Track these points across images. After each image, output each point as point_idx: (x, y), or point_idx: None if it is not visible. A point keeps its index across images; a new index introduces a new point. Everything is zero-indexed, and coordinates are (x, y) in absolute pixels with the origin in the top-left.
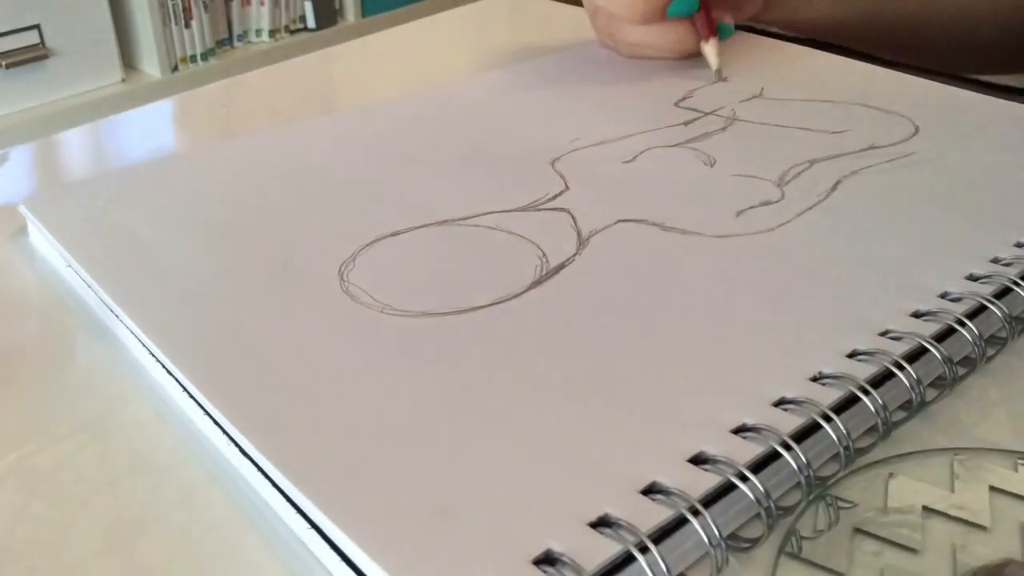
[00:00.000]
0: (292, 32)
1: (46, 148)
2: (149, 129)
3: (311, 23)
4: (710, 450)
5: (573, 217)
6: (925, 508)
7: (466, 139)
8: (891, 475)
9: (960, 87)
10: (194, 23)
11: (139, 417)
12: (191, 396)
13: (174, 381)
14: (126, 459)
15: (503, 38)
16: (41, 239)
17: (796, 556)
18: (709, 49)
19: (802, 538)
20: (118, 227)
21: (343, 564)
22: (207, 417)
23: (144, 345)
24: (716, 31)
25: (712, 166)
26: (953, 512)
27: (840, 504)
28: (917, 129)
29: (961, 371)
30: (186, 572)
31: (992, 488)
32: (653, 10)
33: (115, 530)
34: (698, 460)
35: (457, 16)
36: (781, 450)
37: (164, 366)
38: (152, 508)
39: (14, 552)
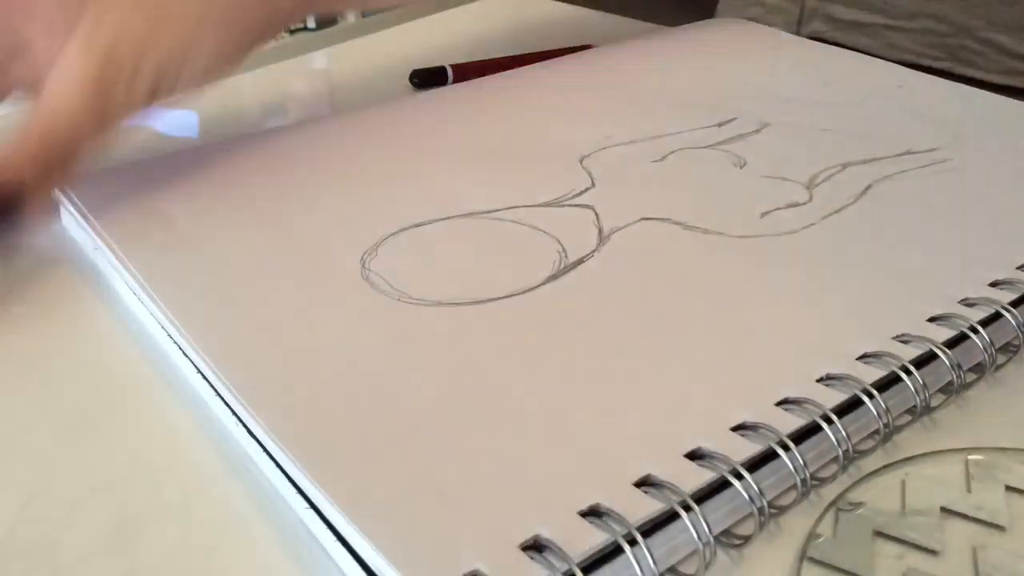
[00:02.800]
0: (292, 32)
1: None
2: (177, 120)
3: (311, 23)
4: (708, 446)
5: (596, 214)
6: (943, 509)
7: (498, 134)
8: (907, 476)
9: (1004, 94)
10: None
11: (140, 416)
12: (204, 377)
13: (188, 362)
14: (126, 459)
15: (503, 38)
16: (72, 222)
17: (819, 561)
18: None
19: (821, 539)
20: (146, 209)
21: (339, 544)
22: (218, 398)
23: (163, 327)
24: None
25: (742, 167)
26: (972, 513)
27: (845, 507)
28: (957, 135)
29: (971, 377)
30: (186, 572)
31: (1008, 488)
32: None
33: (115, 530)
34: (695, 456)
35: (457, 16)
36: (778, 450)
37: (179, 346)
38: (152, 508)
39: (14, 552)
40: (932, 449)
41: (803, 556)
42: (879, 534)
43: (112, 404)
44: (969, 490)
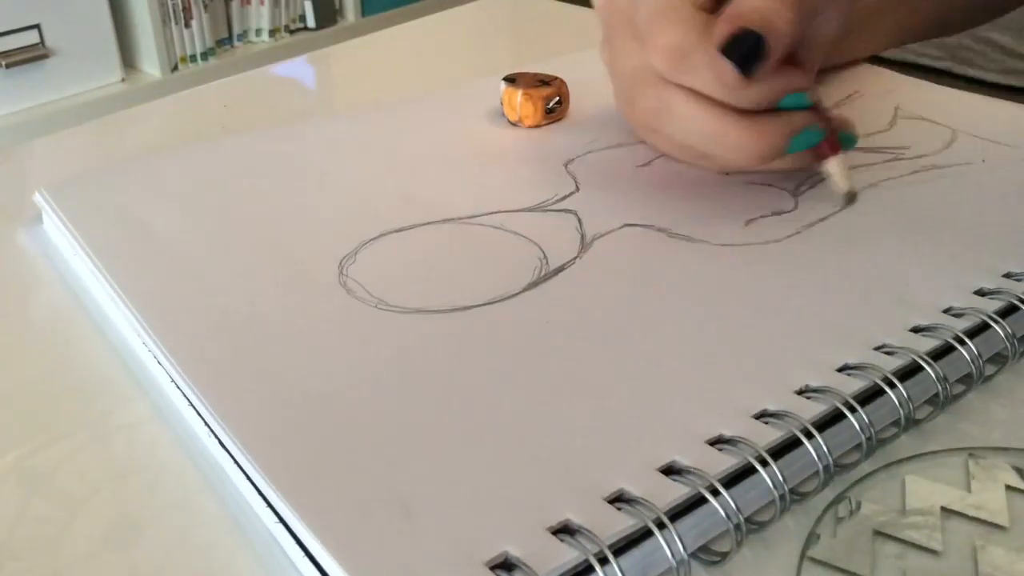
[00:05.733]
0: (292, 32)
1: (59, 142)
2: (159, 125)
3: (311, 23)
4: (683, 460)
5: (579, 219)
6: (943, 509)
7: (480, 138)
8: (907, 476)
9: (1002, 99)
10: (194, 23)
11: (139, 417)
12: (177, 387)
13: (162, 370)
14: (126, 459)
15: (503, 38)
16: (54, 228)
17: (819, 561)
18: (835, 167)
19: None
20: (126, 214)
21: (307, 560)
22: (190, 408)
23: (138, 334)
24: (839, 145)
25: (728, 173)
26: (972, 512)
27: (842, 508)
28: (947, 143)
29: (958, 389)
30: (186, 572)
31: (1008, 487)
32: (773, 153)
33: (115, 530)
34: (670, 470)
35: (457, 16)
36: (756, 465)
37: (152, 353)
38: (152, 508)
39: (14, 552)
40: (932, 449)
41: (803, 556)
42: (879, 534)
43: (90, 411)
44: (969, 490)
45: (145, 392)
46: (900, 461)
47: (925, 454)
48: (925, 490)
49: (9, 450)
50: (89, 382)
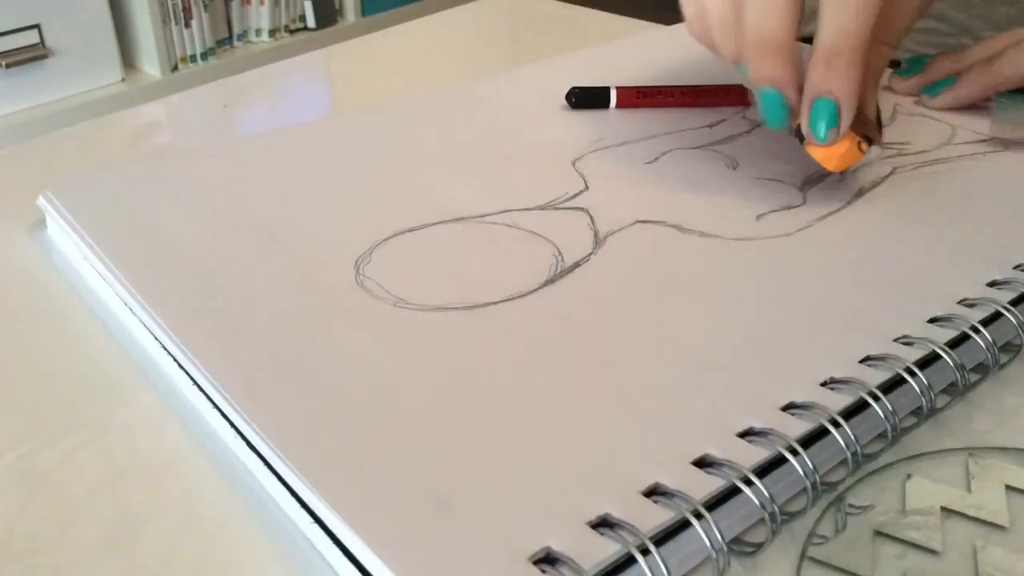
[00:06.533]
0: (292, 32)
1: (59, 142)
2: (159, 125)
3: (311, 23)
4: (715, 453)
5: (591, 217)
6: (944, 509)
7: (490, 138)
8: (908, 476)
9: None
10: (194, 23)
11: (139, 416)
12: (200, 389)
13: (183, 373)
14: (126, 459)
15: (503, 38)
16: (59, 231)
17: (819, 561)
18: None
19: (821, 539)
20: (137, 217)
21: (344, 558)
22: (215, 410)
23: (154, 336)
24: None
25: (735, 169)
26: (971, 512)
27: (849, 511)
28: (948, 138)
29: (974, 377)
30: (186, 571)
31: (1008, 487)
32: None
33: (115, 530)
34: (702, 463)
35: (457, 16)
36: (787, 455)
37: (174, 357)
38: (152, 507)
39: (14, 551)
40: (934, 449)
41: (803, 556)
42: (879, 534)
43: (90, 411)
44: (969, 490)
45: (150, 393)
46: (900, 461)
47: (925, 454)
48: (925, 490)
49: (9, 449)
50: (91, 383)
